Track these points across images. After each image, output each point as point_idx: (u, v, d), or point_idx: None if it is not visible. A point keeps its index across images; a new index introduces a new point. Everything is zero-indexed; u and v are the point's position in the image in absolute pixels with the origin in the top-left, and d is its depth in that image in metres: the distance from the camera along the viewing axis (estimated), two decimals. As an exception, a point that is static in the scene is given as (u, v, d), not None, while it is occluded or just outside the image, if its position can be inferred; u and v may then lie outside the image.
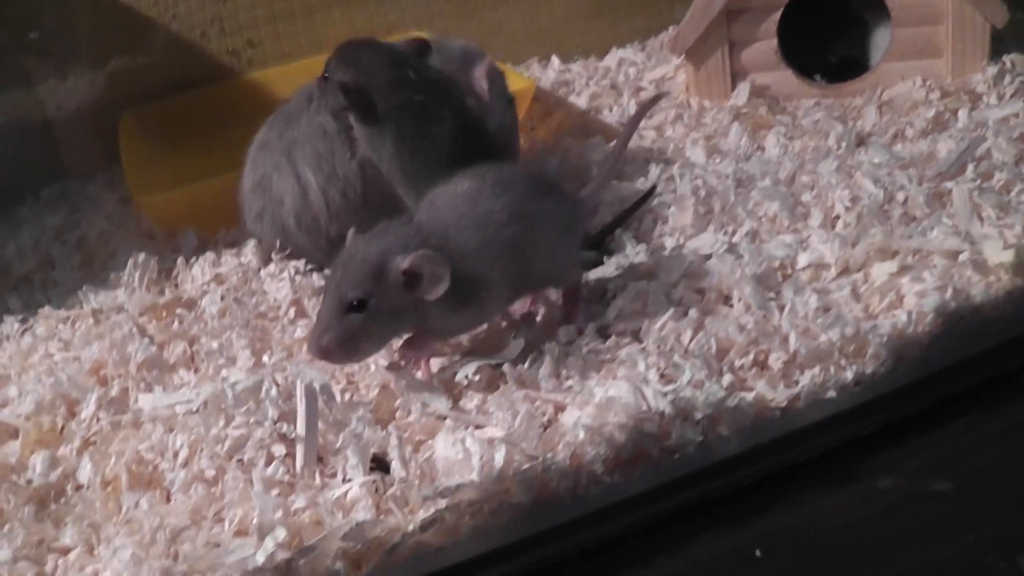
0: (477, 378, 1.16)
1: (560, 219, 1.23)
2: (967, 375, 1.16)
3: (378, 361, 1.20)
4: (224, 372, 1.23)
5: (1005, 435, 1.11)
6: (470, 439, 1.03)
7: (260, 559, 0.95)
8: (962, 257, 1.23)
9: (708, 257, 1.31)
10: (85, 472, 1.12)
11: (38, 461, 1.13)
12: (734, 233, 1.37)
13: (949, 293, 1.17)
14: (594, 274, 1.33)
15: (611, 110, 1.88)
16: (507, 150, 1.48)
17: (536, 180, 1.25)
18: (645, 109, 1.51)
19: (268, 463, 1.06)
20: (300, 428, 1.07)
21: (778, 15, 1.77)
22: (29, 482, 1.11)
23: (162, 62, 1.96)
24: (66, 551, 1.03)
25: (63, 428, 1.20)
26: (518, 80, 1.74)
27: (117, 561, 0.97)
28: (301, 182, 1.46)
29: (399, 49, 1.43)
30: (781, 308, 1.20)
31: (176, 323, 1.37)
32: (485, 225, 1.16)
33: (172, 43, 1.95)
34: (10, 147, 1.90)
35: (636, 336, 1.19)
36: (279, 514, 0.98)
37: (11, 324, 1.47)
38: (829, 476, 1.08)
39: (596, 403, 1.07)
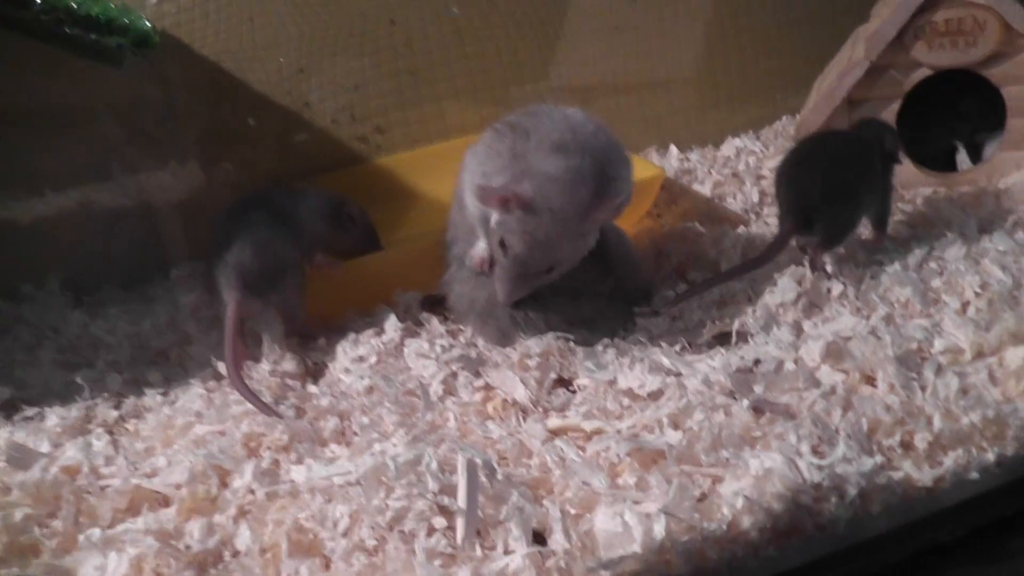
0: (628, 458, 1.16)
1: None
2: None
3: (532, 442, 1.22)
4: (377, 446, 1.23)
5: None
6: (629, 512, 1.05)
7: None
8: (1092, 342, 1.25)
9: (848, 339, 1.32)
10: (243, 539, 1.13)
11: (195, 528, 1.15)
12: (869, 317, 1.39)
13: (1081, 377, 1.20)
14: (748, 355, 1.35)
15: (735, 197, 1.91)
16: None
17: None
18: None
19: (429, 534, 1.07)
20: (461, 501, 1.08)
21: (898, 105, 1.81)
22: (188, 548, 1.13)
23: (296, 148, 2.01)
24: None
25: (216, 497, 1.21)
26: (647, 167, 1.76)
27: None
28: None
29: None
30: (923, 389, 1.22)
31: (325, 399, 1.39)
32: None
33: (305, 130, 2.00)
34: (137, 229, 1.94)
35: (786, 412, 1.21)
36: (444, 582, 1.00)
37: (153, 396, 1.49)
38: (974, 555, 1.10)
39: (753, 474, 1.09)
